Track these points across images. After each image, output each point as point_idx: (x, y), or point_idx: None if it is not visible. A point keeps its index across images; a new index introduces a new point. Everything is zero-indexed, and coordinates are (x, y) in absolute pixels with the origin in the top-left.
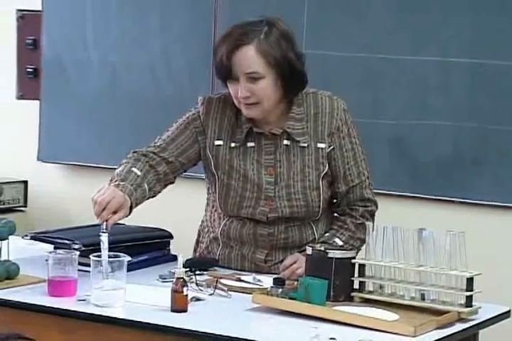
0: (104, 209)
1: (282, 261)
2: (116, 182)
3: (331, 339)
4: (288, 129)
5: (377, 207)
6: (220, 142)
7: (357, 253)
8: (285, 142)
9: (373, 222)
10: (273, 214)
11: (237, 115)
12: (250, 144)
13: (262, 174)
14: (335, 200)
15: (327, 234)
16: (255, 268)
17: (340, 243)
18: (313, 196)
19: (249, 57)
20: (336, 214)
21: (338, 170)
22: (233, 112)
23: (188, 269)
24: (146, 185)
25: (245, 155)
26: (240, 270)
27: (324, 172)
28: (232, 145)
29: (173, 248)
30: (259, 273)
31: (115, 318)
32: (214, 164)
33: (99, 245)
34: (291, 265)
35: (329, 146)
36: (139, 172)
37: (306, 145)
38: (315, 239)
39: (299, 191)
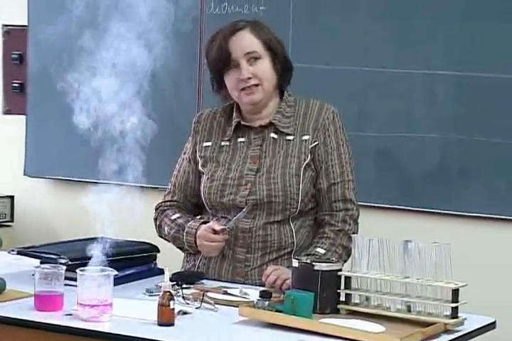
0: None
1: (260, 266)
2: (185, 231)
3: None
4: (274, 120)
5: (358, 212)
6: (209, 143)
7: (344, 263)
8: (272, 135)
9: (357, 229)
10: (252, 196)
11: (229, 117)
12: (241, 139)
13: (246, 163)
14: (317, 203)
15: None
16: (232, 271)
17: (323, 251)
18: (291, 181)
19: (247, 38)
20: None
21: (321, 165)
22: (223, 116)
23: (174, 283)
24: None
25: (235, 151)
26: (218, 274)
27: (306, 162)
28: (223, 143)
29: (160, 262)
30: (235, 282)
31: (102, 332)
32: (202, 163)
33: (86, 259)
34: (272, 271)
35: (314, 141)
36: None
37: (292, 138)
38: (293, 242)
39: (278, 176)
